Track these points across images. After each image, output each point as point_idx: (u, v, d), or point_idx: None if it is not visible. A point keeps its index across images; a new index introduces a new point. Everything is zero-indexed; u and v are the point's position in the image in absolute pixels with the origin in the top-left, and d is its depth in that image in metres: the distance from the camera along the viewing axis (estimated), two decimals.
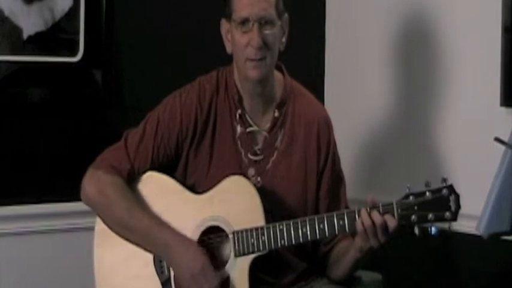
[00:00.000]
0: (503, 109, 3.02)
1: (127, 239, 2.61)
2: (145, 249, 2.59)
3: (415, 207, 2.39)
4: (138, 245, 2.60)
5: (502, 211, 2.11)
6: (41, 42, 3.17)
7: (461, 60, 3.19)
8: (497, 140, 2.10)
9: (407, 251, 3.34)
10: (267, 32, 2.55)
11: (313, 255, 2.65)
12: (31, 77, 3.20)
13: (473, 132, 3.12)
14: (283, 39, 2.63)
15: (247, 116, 2.65)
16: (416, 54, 3.36)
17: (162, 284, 2.59)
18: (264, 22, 2.54)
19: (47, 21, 3.17)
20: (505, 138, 2.11)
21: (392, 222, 2.40)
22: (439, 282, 3.28)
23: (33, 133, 3.21)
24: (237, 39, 2.57)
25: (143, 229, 2.57)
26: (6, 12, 3.10)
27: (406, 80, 3.42)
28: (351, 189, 2.76)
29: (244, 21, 2.55)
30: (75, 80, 3.27)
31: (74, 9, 3.20)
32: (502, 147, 2.12)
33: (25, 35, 3.14)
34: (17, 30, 3.12)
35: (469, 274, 3.17)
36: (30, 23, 3.13)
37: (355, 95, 3.62)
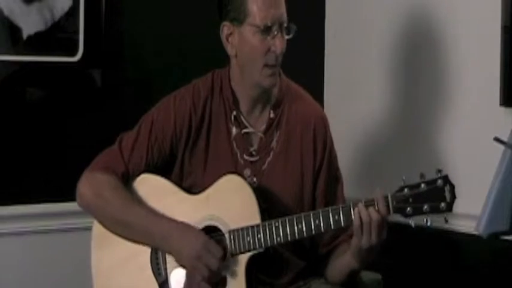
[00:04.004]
0: (503, 109, 3.02)
1: (125, 237, 2.61)
2: (145, 244, 2.59)
3: (410, 200, 2.39)
4: (136, 241, 2.60)
5: (502, 211, 2.11)
6: (41, 42, 3.17)
7: (461, 60, 3.19)
8: (497, 139, 2.10)
9: (407, 251, 3.34)
10: (286, 37, 2.55)
11: (312, 254, 2.65)
12: (30, 76, 3.21)
13: (473, 131, 3.13)
14: None
15: (242, 117, 2.64)
16: (416, 54, 3.36)
17: (160, 285, 2.59)
18: (284, 27, 2.54)
19: (47, 20, 3.17)
20: (505, 138, 2.11)
21: (386, 214, 2.40)
22: (438, 282, 3.28)
23: (32, 133, 3.21)
24: (255, 46, 2.54)
25: (140, 224, 2.57)
26: (6, 12, 3.10)
27: (406, 80, 3.42)
28: (350, 189, 2.76)
29: (267, 28, 2.52)
30: (75, 79, 3.27)
31: (73, 9, 3.21)
32: (502, 147, 2.12)
33: (24, 35, 3.14)
34: (16, 30, 3.12)
35: (469, 274, 3.17)
36: (29, 22, 3.14)
37: (355, 96, 3.62)
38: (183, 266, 2.55)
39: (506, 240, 2.63)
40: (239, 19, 2.56)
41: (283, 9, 2.55)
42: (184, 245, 2.52)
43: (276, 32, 2.53)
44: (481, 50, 3.12)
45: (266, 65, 2.55)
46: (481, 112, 3.11)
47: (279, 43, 2.53)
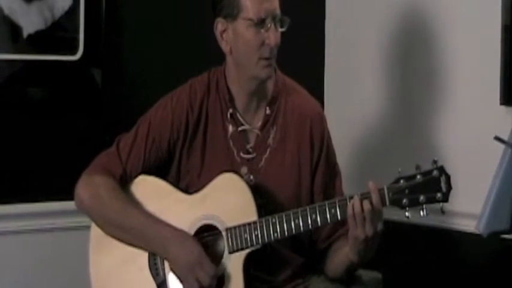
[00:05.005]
0: (503, 108, 3.03)
1: (122, 240, 2.61)
2: (142, 248, 2.60)
3: (406, 191, 2.39)
4: (133, 245, 2.60)
5: (502, 210, 2.11)
6: (41, 40, 3.17)
7: (461, 59, 3.20)
8: (497, 138, 2.10)
9: (407, 250, 3.34)
10: (280, 29, 2.55)
11: (311, 250, 2.65)
12: (31, 75, 3.21)
13: (473, 131, 3.13)
14: None
15: (238, 115, 2.64)
16: (416, 53, 3.37)
17: (158, 286, 2.59)
18: (277, 20, 2.55)
19: (47, 19, 3.17)
20: (505, 137, 2.11)
21: (380, 205, 2.40)
22: (439, 281, 3.28)
23: (32, 132, 3.21)
24: (250, 39, 2.54)
25: (138, 228, 2.58)
26: (6, 11, 3.10)
27: (406, 79, 3.42)
28: (350, 186, 2.76)
29: (261, 21, 2.53)
30: (75, 78, 3.27)
31: (73, 8, 3.21)
32: (502, 146, 2.12)
33: (25, 34, 3.14)
34: (16, 28, 3.12)
35: (469, 273, 3.17)
36: (30, 21, 3.13)
37: (355, 94, 3.62)
38: (176, 275, 2.56)
39: (506, 239, 2.64)
40: (232, 14, 2.57)
41: (276, 3, 2.56)
42: (179, 254, 2.53)
43: (269, 25, 2.54)
44: (481, 49, 3.12)
45: (261, 58, 2.55)
46: (481, 111, 3.11)
47: (273, 36, 2.53)
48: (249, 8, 2.54)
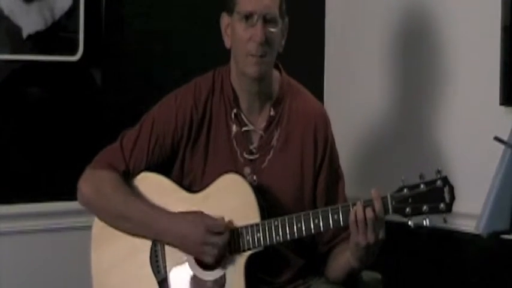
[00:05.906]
0: (503, 108, 3.03)
1: (124, 230, 2.61)
2: (144, 237, 2.60)
3: (409, 200, 2.39)
4: (136, 233, 2.60)
5: (502, 210, 2.11)
6: (41, 41, 3.17)
7: (461, 59, 3.20)
8: (497, 139, 2.10)
9: (407, 250, 3.34)
10: (270, 29, 2.55)
11: (312, 252, 2.65)
12: (30, 76, 3.21)
13: (473, 131, 3.13)
14: (282, 42, 2.63)
15: (242, 115, 2.65)
16: (416, 53, 3.37)
17: (159, 283, 2.59)
18: (268, 19, 2.54)
19: (47, 20, 3.17)
20: (505, 137, 2.11)
21: (382, 214, 2.40)
22: (439, 281, 3.28)
23: (32, 132, 3.21)
24: (239, 33, 2.56)
25: (140, 217, 2.58)
26: (6, 11, 3.10)
27: (406, 79, 3.43)
28: (351, 188, 2.76)
29: (248, 15, 2.54)
30: (75, 79, 3.27)
31: (73, 8, 3.21)
32: (502, 146, 2.12)
33: (25, 34, 3.14)
34: (16, 29, 3.13)
35: (469, 273, 3.17)
36: (29, 21, 3.14)
37: (355, 94, 3.62)
38: (192, 253, 2.55)
39: (506, 240, 2.64)
40: (231, 8, 2.59)
41: (270, 3, 2.55)
42: (185, 235, 2.52)
43: (255, 21, 2.54)
44: (481, 49, 3.12)
45: (248, 54, 2.56)
46: (481, 111, 3.11)
47: (258, 32, 2.53)
48: (240, 2, 2.56)
